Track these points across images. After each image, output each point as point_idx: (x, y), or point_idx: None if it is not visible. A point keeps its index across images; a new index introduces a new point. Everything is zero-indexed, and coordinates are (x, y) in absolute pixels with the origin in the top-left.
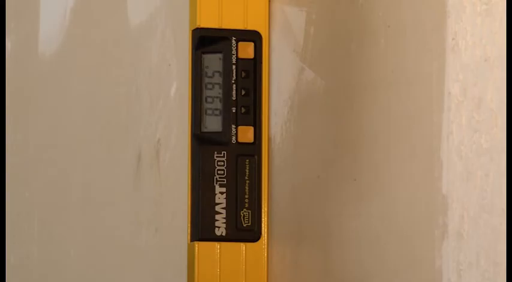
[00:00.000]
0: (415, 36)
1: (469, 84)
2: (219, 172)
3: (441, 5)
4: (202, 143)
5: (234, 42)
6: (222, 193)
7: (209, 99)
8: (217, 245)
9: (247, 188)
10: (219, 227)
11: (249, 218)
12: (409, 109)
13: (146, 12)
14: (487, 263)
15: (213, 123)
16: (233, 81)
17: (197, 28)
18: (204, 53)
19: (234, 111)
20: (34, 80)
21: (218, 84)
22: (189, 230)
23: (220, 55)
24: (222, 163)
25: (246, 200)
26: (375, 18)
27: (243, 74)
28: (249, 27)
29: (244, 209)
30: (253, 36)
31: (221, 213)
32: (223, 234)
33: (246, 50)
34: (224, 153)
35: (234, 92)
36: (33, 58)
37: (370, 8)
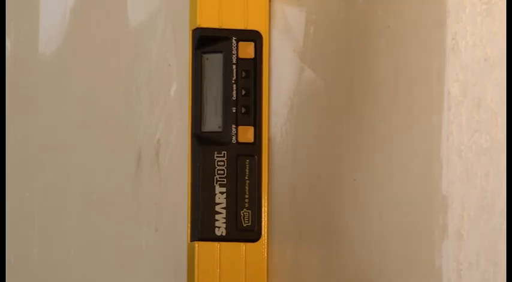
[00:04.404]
0: (415, 36)
1: (469, 84)
2: (219, 172)
3: (441, 5)
4: (203, 142)
5: (234, 42)
6: (222, 193)
7: (209, 99)
8: (217, 245)
9: (247, 188)
10: (219, 227)
11: (249, 218)
12: (409, 109)
13: (146, 12)
14: (487, 263)
15: (213, 123)
16: (233, 81)
17: (197, 28)
18: (204, 53)
19: (234, 111)
20: (34, 80)
21: (218, 84)
22: (189, 230)
23: (220, 55)
24: (222, 163)
25: (246, 200)
26: (375, 18)
27: (243, 74)
28: (250, 27)
29: (244, 209)
30: (254, 36)
31: (221, 213)
32: (223, 234)
33: (246, 50)
34: (224, 153)
35: (234, 92)
36: (33, 58)
37: (370, 8)
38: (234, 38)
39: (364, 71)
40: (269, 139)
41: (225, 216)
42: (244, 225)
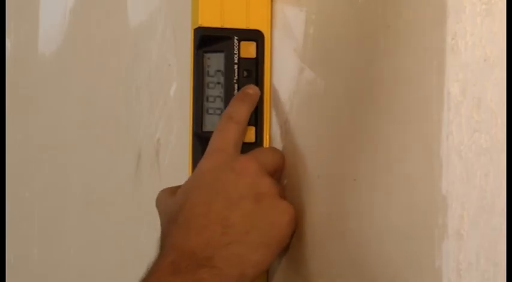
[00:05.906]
0: (415, 36)
1: (468, 84)
2: None
3: (441, 5)
4: (203, 142)
5: (236, 41)
6: None
7: (210, 99)
8: None
9: None
10: None
11: None
12: (409, 109)
13: (146, 12)
14: (487, 263)
15: (214, 123)
16: (235, 81)
17: (199, 27)
18: (205, 52)
19: None
20: (34, 80)
21: (220, 83)
22: None
23: (222, 54)
24: None
25: None
26: (374, 18)
27: (245, 74)
28: (251, 27)
29: None
30: (256, 36)
31: None
32: None
33: (248, 50)
34: None
35: (235, 91)
36: (33, 58)
37: (370, 8)
38: (235, 38)
39: (363, 71)
40: (269, 139)
41: None
42: None
